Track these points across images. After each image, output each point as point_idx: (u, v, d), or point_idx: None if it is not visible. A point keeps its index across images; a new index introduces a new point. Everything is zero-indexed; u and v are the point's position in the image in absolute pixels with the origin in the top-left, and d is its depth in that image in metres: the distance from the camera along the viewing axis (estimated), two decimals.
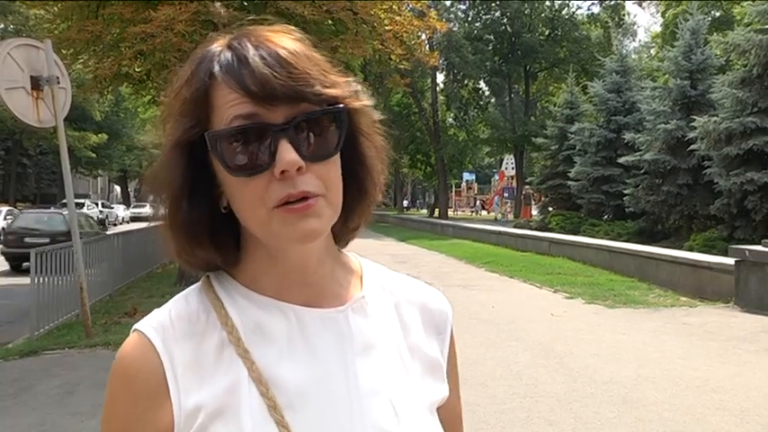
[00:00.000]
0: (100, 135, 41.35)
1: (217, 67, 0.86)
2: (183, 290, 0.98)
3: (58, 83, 8.42)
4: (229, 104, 0.84)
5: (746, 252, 10.95)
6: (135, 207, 54.58)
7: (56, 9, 12.93)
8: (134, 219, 48.16)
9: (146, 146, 52.22)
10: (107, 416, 0.91)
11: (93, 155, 43.00)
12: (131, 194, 64.62)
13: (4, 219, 27.89)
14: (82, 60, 13.30)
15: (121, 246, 13.36)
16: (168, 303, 0.95)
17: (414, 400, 0.96)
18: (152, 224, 0.95)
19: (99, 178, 58.99)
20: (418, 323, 1.03)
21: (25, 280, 9.34)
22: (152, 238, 17.10)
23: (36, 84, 8.24)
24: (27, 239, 16.78)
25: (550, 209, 29.67)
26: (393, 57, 13.58)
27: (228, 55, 0.86)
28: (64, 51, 11.57)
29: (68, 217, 9.44)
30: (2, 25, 35.59)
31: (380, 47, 13.15)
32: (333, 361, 0.91)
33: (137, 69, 12.08)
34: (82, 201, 37.92)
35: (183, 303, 0.94)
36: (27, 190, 43.97)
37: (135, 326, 0.92)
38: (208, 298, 0.94)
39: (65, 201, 10.16)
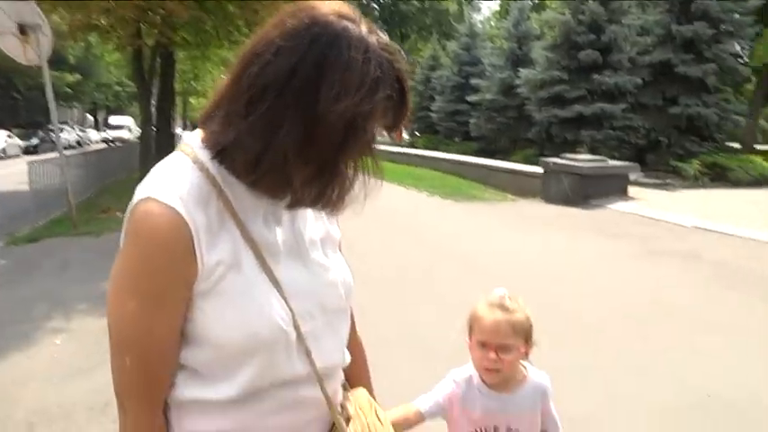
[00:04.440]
0: (74, 74, 37.86)
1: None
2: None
3: (41, 30, 7.64)
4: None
5: (551, 164, 11.41)
6: (105, 132, 51.15)
7: None
8: (104, 141, 45.40)
9: (111, 84, 48.43)
10: (134, 273, 0.81)
11: (70, 91, 39.42)
12: (101, 122, 60.09)
13: None
14: (58, 13, 11.97)
15: (96, 160, 12.87)
16: (171, 171, 0.84)
17: (329, 242, 1.00)
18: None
19: (75, 109, 54.34)
20: None
21: (25, 187, 8.73)
22: (120, 154, 16.39)
23: (23, 30, 7.44)
24: None
25: (417, 133, 29.80)
26: None
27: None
28: (43, 5, 10.37)
29: (54, 138, 8.71)
30: None
31: None
32: (290, 227, 0.93)
33: (103, 22, 11.06)
34: (62, 126, 35.01)
35: (187, 173, 0.84)
36: (20, 118, 40.07)
37: (153, 195, 0.80)
38: (202, 174, 0.84)
39: (51, 126, 9.38)
